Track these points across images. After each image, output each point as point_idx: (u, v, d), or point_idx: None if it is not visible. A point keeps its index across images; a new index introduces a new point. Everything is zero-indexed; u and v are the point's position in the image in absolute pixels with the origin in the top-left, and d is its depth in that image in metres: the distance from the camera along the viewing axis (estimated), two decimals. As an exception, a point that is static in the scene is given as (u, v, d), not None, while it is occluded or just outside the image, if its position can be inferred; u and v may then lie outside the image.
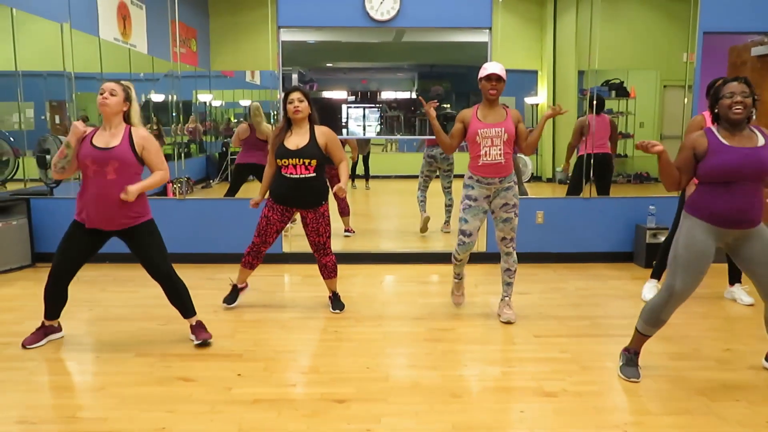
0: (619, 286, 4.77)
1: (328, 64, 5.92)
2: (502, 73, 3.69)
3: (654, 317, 3.03)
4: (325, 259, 4.03)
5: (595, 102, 5.58)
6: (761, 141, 2.83)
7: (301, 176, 3.83)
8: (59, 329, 3.61)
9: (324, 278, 4.12)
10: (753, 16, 5.07)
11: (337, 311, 4.10)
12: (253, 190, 5.73)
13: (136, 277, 4.77)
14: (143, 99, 6.66)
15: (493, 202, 3.86)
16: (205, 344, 3.47)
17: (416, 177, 6.49)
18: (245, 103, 8.05)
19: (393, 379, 3.11)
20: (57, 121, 6.16)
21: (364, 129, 6.58)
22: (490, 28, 5.22)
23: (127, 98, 3.33)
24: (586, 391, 2.97)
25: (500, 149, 3.72)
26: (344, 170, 3.98)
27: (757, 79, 5.56)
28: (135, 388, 2.98)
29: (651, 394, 2.93)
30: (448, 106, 6.00)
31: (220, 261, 5.21)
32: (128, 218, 3.34)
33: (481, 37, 5.29)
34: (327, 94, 5.91)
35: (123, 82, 3.35)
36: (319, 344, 3.61)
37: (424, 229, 6.29)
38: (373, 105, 6.04)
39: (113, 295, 4.42)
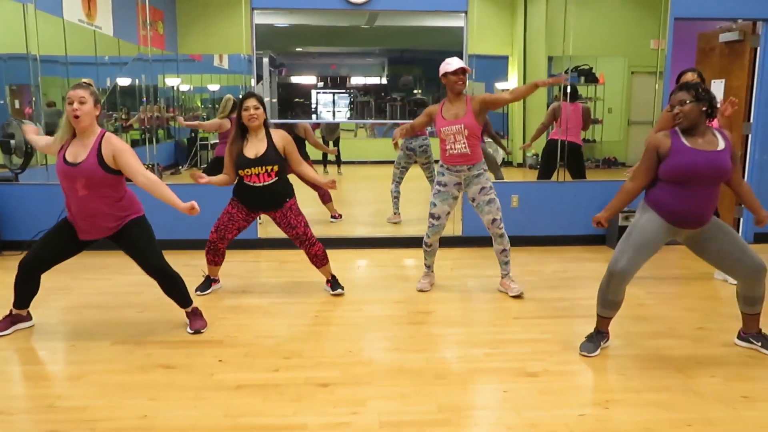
0: (594, 267, 4.85)
1: (297, 49, 5.84)
2: (466, 66, 3.93)
3: (602, 298, 3.16)
4: (313, 250, 3.99)
5: (569, 90, 5.63)
6: (721, 144, 2.94)
7: (264, 184, 3.81)
8: (28, 318, 3.52)
9: (317, 267, 4.09)
10: (723, 3, 5.17)
11: (339, 291, 4.10)
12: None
13: (110, 265, 4.68)
14: (108, 83, 6.47)
15: (468, 191, 4.06)
16: (197, 333, 3.42)
17: (388, 162, 6.44)
18: (213, 87, 7.91)
19: (377, 362, 3.11)
20: (17, 105, 5.96)
21: (334, 114, 6.52)
22: (466, 12, 5.22)
23: (97, 101, 3.15)
24: (567, 371, 3.02)
25: (464, 143, 3.92)
26: (310, 172, 3.97)
27: (726, 65, 5.67)
28: (115, 376, 2.92)
29: (630, 371, 2.99)
30: (419, 92, 5.98)
31: (196, 247, 5.11)
32: (117, 220, 3.26)
33: (457, 21, 5.29)
34: (296, 80, 5.84)
35: (84, 81, 3.18)
36: (300, 329, 3.58)
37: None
38: (342, 90, 5.98)
39: (87, 283, 4.32)
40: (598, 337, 3.23)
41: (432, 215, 4.07)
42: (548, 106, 6.64)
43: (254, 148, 3.79)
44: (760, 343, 3.19)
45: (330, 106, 6.57)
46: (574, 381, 2.93)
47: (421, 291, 4.18)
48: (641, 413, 2.60)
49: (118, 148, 3.16)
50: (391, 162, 6.53)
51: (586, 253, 5.30)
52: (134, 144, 6.75)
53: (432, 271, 4.29)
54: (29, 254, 3.29)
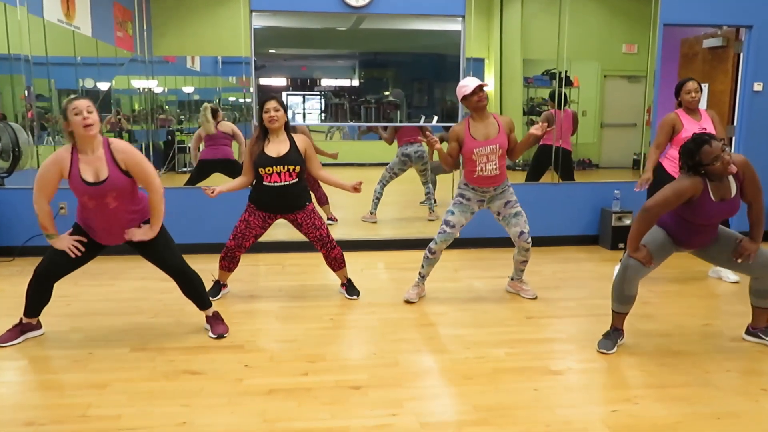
0: (591, 268, 4.97)
1: (270, 50, 5.80)
2: (483, 82, 3.78)
3: (618, 293, 3.25)
4: (333, 253, 4.01)
5: (563, 97, 5.78)
6: (734, 188, 3.06)
7: (285, 183, 3.80)
8: (38, 326, 3.44)
9: (334, 270, 4.11)
10: (709, 10, 5.35)
11: (354, 297, 4.12)
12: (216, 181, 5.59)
13: (109, 270, 4.60)
14: (84, 85, 6.31)
15: (492, 206, 3.99)
16: (220, 337, 3.40)
17: (363, 165, 6.50)
18: (188, 90, 7.82)
19: (402, 364, 3.13)
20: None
21: (304, 116, 6.50)
22: (464, 17, 5.29)
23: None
24: (589, 369, 3.09)
25: (495, 163, 3.82)
26: (331, 177, 3.95)
27: (708, 71, 5.87)
28: (141, 383, 2.87)
29: (650, 368, 3.08)
30: (389, 93, 6.01)
31: (195, 251, 5.04)
32: (138, 222, 3.26)
33: (455, 25, 5.36)
34: (265, 81, 5.79)
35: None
36: (318, 333, 3.57)
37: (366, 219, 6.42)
38: (315, 93, 5.95)
39: (89, 289, 4.21)
40: (614, 335, 3.31)
41: (447, 222, 3.94)
42: (524, 109, 6.77)
43: (276, 148, 3.78)
44: (768, 338, 3.33)
45: (300, 108, 6.55)
46: (599, 378, 3.01)
47: (408, 302, 4.02)
48: (669, 408, 2.68)
49: (125, 151, 3.11)
50: (368, 164, 6.60)
51: (580, 253, 5.42)
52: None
53: (423, 283, 4.13)
54: (45, 261, 3.22)
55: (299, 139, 3.87)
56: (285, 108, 3.82)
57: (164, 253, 3.29)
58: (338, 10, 5.10)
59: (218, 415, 2.60)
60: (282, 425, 2.53)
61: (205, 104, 6.08)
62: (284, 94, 5.91)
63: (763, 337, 3.34)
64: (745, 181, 3.06)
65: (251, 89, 5.28)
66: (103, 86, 6.29)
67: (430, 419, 2.58)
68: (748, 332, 3.42)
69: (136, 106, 6.90)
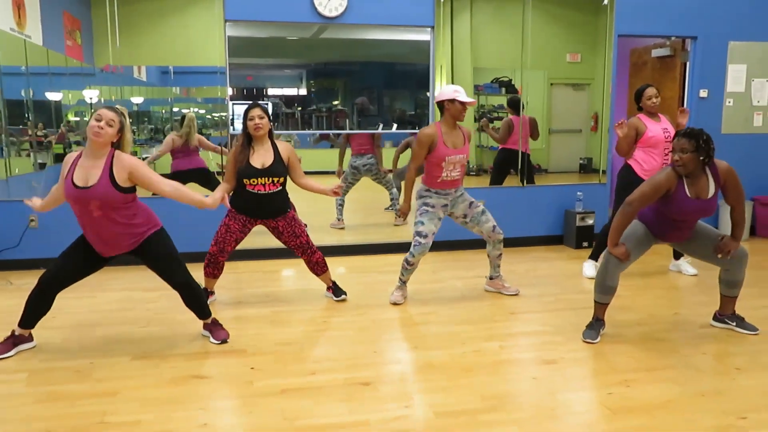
0: (561, 266, 5.22)
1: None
2: (473, 101, 3.98)
3: (600, 284, 3.47)
4: (314, 258, 4.07)
5: (521, 104, 6.04)
6: (712, 190, 3.27)
7: (268, 192, 3.86)
8: (30, 339, 3.39)
9: (318, 275, 4.17)
10: (659, 22, 5.73)
11: (343, 297, 4.20)
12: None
13: (87, 282, 4.45)
14: (27, 94, 6.16)
15: (455, 211, 4.16)
16: (223, 343, 3.43)
17: (315, 173, 6.62)
18: (137, 100, 7.73)
19: (405, 361, 3.26)
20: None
21: None
22: (433, 27, 5.48)
23: (121, 128, 3.11)
24: (580, 357, 3.29)
25: (459, 171, 4.06)
26: (313, 183, 4.01)
27: (658, 78, 6.26)
28: (151, 389, 2.88)
29: (634, 354, 3.30)
30: (338, 102, 6.13)
31: (190, 260, 5.03)
32: (135, 237, 3.22)
33: (420, 35, 5.54)
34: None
35: (119, 107, 3.14)
36: (315, 335, 3.65)
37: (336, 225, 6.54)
38: (264, 102, 5.98)
39: (72, 302, 4.12)
40: (597, 325, 3.53)
41: (419, 233, 4.03)
42: (476, 116, 6.99)
43: (261, 158, 3.83)
44: (734, 323, 3.61)
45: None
46: (590, 365, 3.21)
47: (395, 304, 4.14)
48: (659, 389, 2.90)
49: (132, 164, 3.12)
50: (319, 172, 6.72)
51: (548, 252, 5.68)
52: (58, 159, 6.46)
53: (405, 286, 4.24)
54: (49, 271, 3.20)
55: (282, 147, 3.92)
56: (269, 115, 3.88)
57: (173, 265, 3.31)
58: (311, 21, 5.20)
59: (238, 416, 2.65)
60: (303, 422, 2.60)
61: (191, 115, 6.02)
62: (230, 103, 5.96)
63: (730, 322, 3.63)
64: (728, 187, 3.31)
65: (226, 100, 5.31)
66: (54, 96, 6.15)
67: (444, 409, 2.71)
68: (715, 318, 3.70)
69: (70, 116, 6.75)
